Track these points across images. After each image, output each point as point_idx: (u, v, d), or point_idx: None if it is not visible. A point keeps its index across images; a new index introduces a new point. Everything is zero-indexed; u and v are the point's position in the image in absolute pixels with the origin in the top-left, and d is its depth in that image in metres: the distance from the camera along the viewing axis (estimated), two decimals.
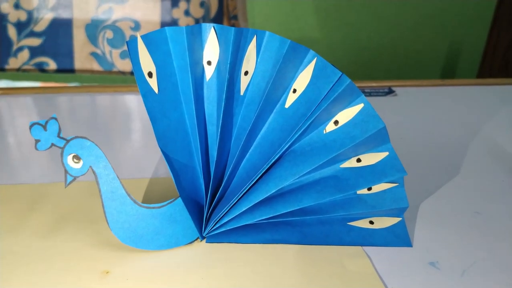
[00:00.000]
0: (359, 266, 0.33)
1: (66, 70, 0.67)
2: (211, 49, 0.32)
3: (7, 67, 0.67)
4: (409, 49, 1.22)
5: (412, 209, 0.39)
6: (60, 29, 0.66)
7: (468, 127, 0.57)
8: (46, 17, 0.64)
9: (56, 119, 0.29)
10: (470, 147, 0.52)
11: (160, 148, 0.31)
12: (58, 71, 0.67)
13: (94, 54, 0.67)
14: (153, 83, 0.31)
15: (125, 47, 0.70)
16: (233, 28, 0.31)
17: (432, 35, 1.21)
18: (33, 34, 0.65)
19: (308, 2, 1.11)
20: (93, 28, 0.66)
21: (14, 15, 0.63)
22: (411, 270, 0.33)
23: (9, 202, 0.39)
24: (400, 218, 0.36)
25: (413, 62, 1.24)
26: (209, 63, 0.32)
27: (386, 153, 0.35)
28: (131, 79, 0.73)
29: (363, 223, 0.36)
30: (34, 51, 0.66)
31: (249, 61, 0.32)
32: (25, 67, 0.67)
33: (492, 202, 0.41)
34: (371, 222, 0.36)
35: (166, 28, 0.31)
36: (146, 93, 0.31)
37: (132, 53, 0.30)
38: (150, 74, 0.31)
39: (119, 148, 0.51)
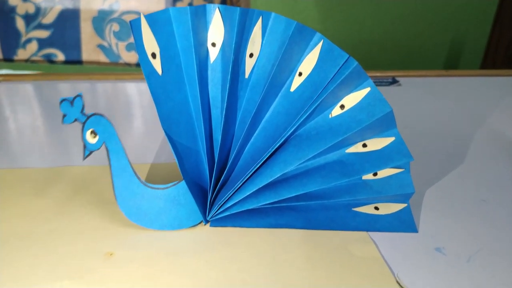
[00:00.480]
0: (365, 251, 0.32)
1: (74, 61, 0.69)
2: (216, 30, 0.31)
3: (15, 58, 0.68)
4: (411, 43, 1.21)
5: (417, 196, 0.39)
6: (68, 22, 0.67)
7: (473, 117, 0.56)
8: (54, 9, 0.66)
9: (81, 96, 0.31)
10: (474, 136, 0.51)
11: (164, 131, 0.31)
12: (66, 62, 0.69)
13: (100, 46, 0.69)
14: (156, 64, 0.30)
15: (131, 40, 0.71)
16: (238, 8, 0.30)
17: (435, 29, 1.21)
18: (41, 26, 0.66)
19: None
20: (100, 21, 0.67)
21: (22, 7, 0.65)
22: (417, 255, 0.32)
23: (12, 186, 0.39)
24: (406, 204, 0.36)
25: (415, 56, 1.23)
26: (213, 44, 0.32)
27: (392, 138, 0.34)
28: (136, 70, 0.73)
29: (368, 209, 0.36)
30: (42, 43, 0.67)
31: (255, 43, 0.32)
32: (34, 58, 0.68)
33: (498, 191, 0.40)
34: (376, 208, 0.36)
35: (170, 8, 0.30)
36: (150, 74, 0.30)
37: (135, 33, 0.29)
38: (153, 55, 0.30)
39: (120, 134, 0.50)
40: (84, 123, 0.31)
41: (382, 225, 0.35)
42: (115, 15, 0.68)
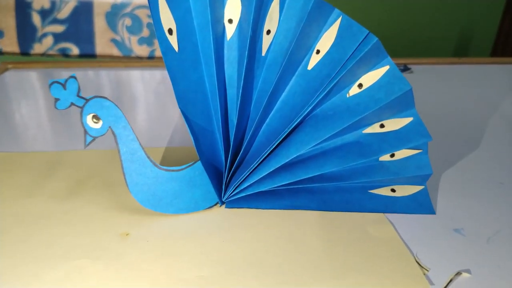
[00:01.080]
0: (382, 232, 0.32)
1: (88, 55, 0.72)
2: (233, 6, 0.31)
3: (32, 52, 0.71)
4: (420, 34, 1.20)
5: (434, 178, 0.38)
6: (82, 17, 0.69)
7: (486, 103, 0.56)
8: (68, 5, 0.69)
9: (75, 78, 0.29)
10: (489, 122, 0.50)
11: (180, 109, 0.31)
12: (81, 56, 0.72)
13: (113, 40, 0.71)
14: (173, 40, 0.30)
15: (143, 34, 0.74)
16: None
17: (444, 19, 1.19)
18: (56, 21, 0.69)
19: None
20: (113, 16, 0.70)
21: (38, 3, 0.68)
22: (436, 236, 0.32)
23: (24, 169, 0.38)
24: (423, 186, 0.35)
25: (425, 46, 1.22)
26: (230, 21, 0.31)
27: (410, 119, 0.34)
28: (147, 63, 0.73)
29: (384, 191, 0.35)
30: (58, 37, 0.70)
31: (272, 19, 0.31)
32: (50, 52, 0.72)
33: None
34: (393, 190, 0.35)
35: None
36: (166, 50, 0.30)
37: (152, 8, 0.29)
38: (170, 31, 0.30)
39: (131, 120, 0.50)
40: (82, 107, 0.29)
41: (400, 207, 0.35)
42: (127, 10, 0.70)
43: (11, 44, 0.70)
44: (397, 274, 0.28)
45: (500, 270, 0.29)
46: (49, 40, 0.70)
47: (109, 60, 0.69)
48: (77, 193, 0.35)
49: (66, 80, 0.29)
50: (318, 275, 0.28)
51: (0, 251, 0.29)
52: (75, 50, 0.71)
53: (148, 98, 0.57)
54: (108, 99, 0.30)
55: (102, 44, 0.71)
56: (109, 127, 0.30)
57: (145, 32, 0.72)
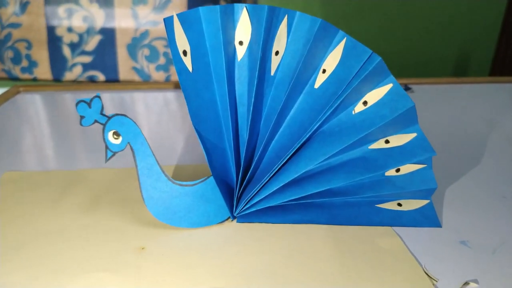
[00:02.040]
0: (391, 244, 0.33)
1: (113, 81, 0.82)
2: (243, 29, 0.33)
3: (63, 79, 0.82)
4: (419, 56, 1.22)
5: (438, 193, 0.39)
6: (106, 48, 0.80)
7: (485, 120, 0.57)
8: (94, 38, 0.79)
9: (99, 97, 0.31)
10: (489, 138, 0.52)
11: (194, 126, 0.32)
12: (106, 81, 0.82)
13: (134, 68, 0.82)
14: (187, 61, 0.31)
15: (160, 62, 0.82)
16: (266, 6, 0.31)
17: (442, 43, 1.22)
18: (84, 52, 0.80)
19: (316, 12, 1.12)
20: (133, 47, 0.81)
21: (68, 37, 0.79)
22: (442, 248, 0.33)
23: (40, 187, 0.39)
24: (428, 200, 0.36)
25: (424, 69, 1.24)
26: (240, 43, 0.33)
27: (414, 134, 0.35)
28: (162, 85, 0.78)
29: (391, 205, 0.36)
30: (86, 66, 0.81)
31: (280, 41, 0.33)
32: (79, 79, 0.82)
33: None
34: (399, 204, 0.36)
35: (200, 8, 0.31)
36: (181, 71, 0.31)
37: (168, 31, 0.30)
38: (185, 53, 0.31)
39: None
40: (105, 124, 0.31)
41: (407, 220, 0.35)
42: (146, 42, 0.81)
43: (45, 73, 0.81)
44: (407, 284, 0.29)
45: (507, 279, 0.29)
46: (78, 69, 0.80)
47: (118, 83, 0.72)
48: (93, 209, 0.36)
49: (91, 99, 0.30)
50: (330, 285, 0.28)
51: (21, 264, 0.30)
52: (101, 77, 0.82)
53: (155, 119, 0.59)
54: (127, 116, 0.31)
55: (124, 72, 0.81)
56: (128, 143, 0.32)
57: (162, 60, 0.82)
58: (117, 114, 0.31)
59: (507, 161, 0.46)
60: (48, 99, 0.65)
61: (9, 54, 0.80)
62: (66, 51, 0.79)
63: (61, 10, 0.78)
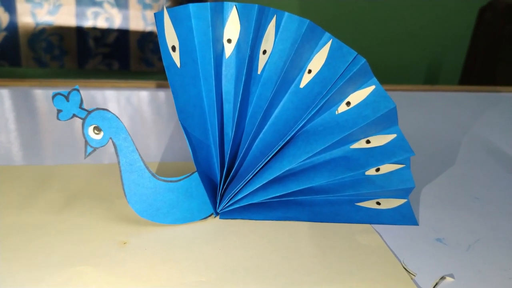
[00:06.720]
0: (370, 241, 0.34)
1: (125, 68, 1.06)
2: (232, 27, 0.33)
3: (86, 66, 1.04)
4: (393, 63, 1.26)
5: (415, 193, 0.41)
6: (121, 42, 1.03)
7: (457, 126, 0.59)
8: (112, 34, 1.03)
9: (78, 90, 0.30)
10: (461, 142, 0.54)
11: (180, 122, 0.32)
12: (120, 68, 1.05)
13: (142, 58, 1.06)
14: (176, 57, 0.32)
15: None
16: (256, 5, 0.32)
17: (415, 51, 1.26)
18: (105, 45, 1.03)
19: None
20: (142, 42, 1.05)
21: (93, 33, 1.02)
22: (420, 245, 0.34)
23: (17, 181, 0.38)
24: (406, 200, 0.37)
25: (396, 77, 1.28)
26: (229, 41, 0.33)
27: (394, 135, 0.36)
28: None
29: (370, 204, 0.37)
30: (105, 56, 1.04)
31: (268, 40, 0.34)
32: (99, 66, 1.04)
33: (489, 190, 0.43)
34: (378, 203, 0.37)
35: (190, 4, 0.32)
36: (169, 66, 0.31)
37: (158, 26, 0.30)
38: (173, 48, 0.31)
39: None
40: (85, 119, 0.30)
41: (385, 218, 0.37)
42: (152, 38, 1.05)
43: (72, 60, 1.03)
44: (387, 278, 0.30)
45: (481, 274, 0.31)
46: (99, 58, 1.04)
47: (108, 81, 0.71)
48: (72, 204, 0.35)
49: (69, 92, 0.29)
50: (313, 279, 0.29)
51: None
52: (116, 65, 1.05)
53: (139, 117, 0.58)
54: (109, 111, 0.31)
55: (135, 61, 1.06)
56: (110, 138, 0.31)
57: None
58: (97, 108, 0.30)
59: (479, 164, 0.48)
60: (17, 94, 0.64)
61: (42, 44, 0.99)
62: (91, 43, 1.02)
63: (89, 12, 1.01)
